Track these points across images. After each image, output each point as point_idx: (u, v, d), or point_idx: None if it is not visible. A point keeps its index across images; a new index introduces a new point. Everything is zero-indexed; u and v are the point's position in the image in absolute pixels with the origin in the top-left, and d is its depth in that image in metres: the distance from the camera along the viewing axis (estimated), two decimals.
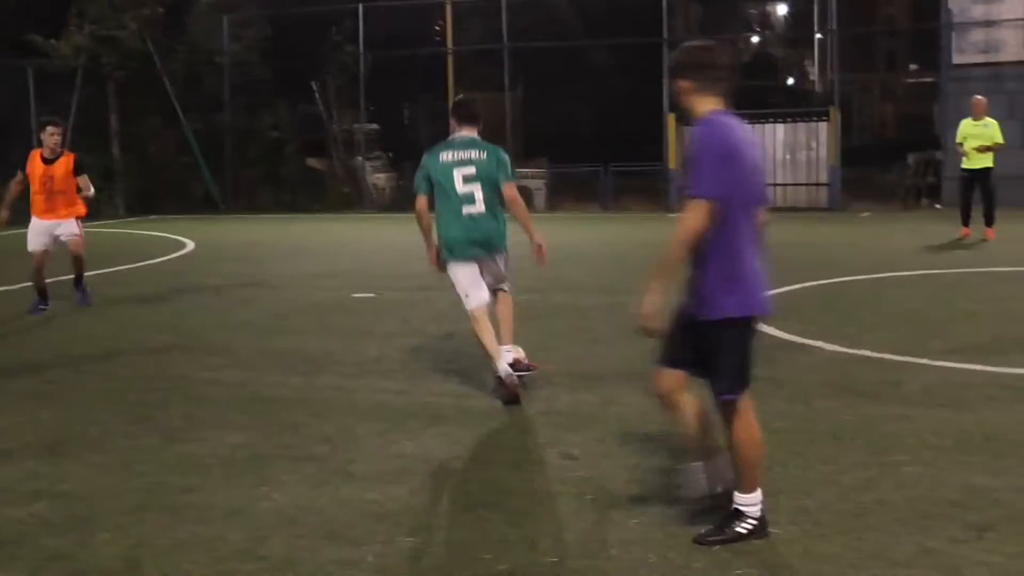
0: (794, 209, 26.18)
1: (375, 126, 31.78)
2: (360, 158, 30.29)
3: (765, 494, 5.13)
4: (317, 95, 30.92)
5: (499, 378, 7.82)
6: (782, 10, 53.65)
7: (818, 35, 33.98)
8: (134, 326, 11.56)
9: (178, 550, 5.12)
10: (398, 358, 9.55)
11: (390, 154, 31.79)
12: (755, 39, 51.57)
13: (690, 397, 5.20)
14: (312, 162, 31.53)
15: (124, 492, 6.02)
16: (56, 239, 12.79)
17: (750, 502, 5.07)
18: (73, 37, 28.71)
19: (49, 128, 12.84)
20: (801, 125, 27.13)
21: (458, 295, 8.27)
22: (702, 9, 46.48)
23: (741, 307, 4.91)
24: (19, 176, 12.81)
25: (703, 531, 5.08)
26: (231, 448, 6.84)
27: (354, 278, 15.00)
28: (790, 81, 52.69)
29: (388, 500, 5.75)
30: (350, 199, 30.07)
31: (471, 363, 9.08)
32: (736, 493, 5.11)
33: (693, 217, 4.77)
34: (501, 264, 8.27)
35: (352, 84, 30.56)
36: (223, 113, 31.49)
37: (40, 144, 12.88)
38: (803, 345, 9.63)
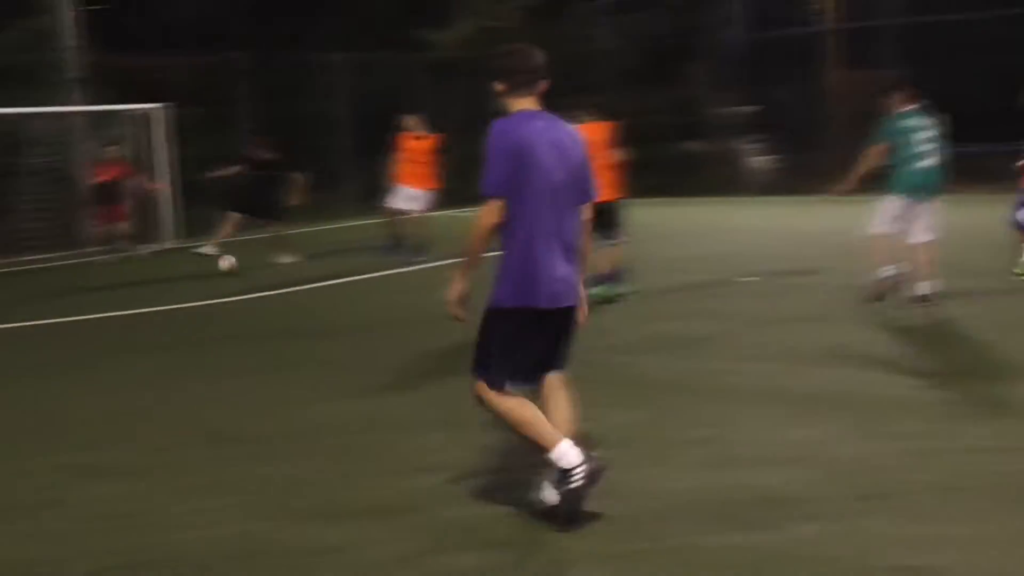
0: None
1: (753, 108, 31.40)
2: (738, 140, 30.01)
3: None
4: (693, 79, 30.84)
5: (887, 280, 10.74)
6: None
7: None
8: None
9: (573, 527, 5.23)
10: (781, 343, 9.40)
11: (769, 136, 31.33)
12: None
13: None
14: (688, 146, 31.47)
15: (523, 467, 6.19)
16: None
17: (561, 455, 5.11)
18: (458, 29, 29.92)
19: (413, 118, 17.23)
20: None
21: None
22: None
23: (509, 297, 5.15)
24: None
25: (555, 510, 5.16)
26: (617, 429, 6.93)
27: (735, 261, 14.84)
28: None
29: (779, 486, 5.66)
30: (727, 182, 29.85)
31: (856, 350, 8.85)
32: (546, 456, 5.16)
33: (482, 213, 5.10)
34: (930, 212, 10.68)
35: (729, 66, 30.30)
36: (603, 99, 31.91)
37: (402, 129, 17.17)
38: None
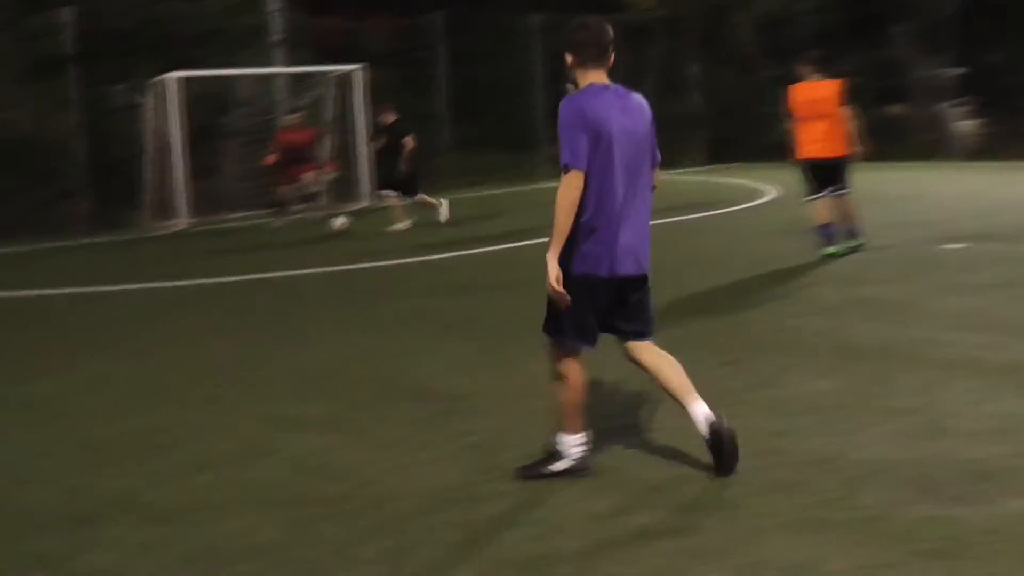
0: None
1: (961, 70, 30.30)
2: (944, 104, 29.02)
3: None
4: (896, 40, 29.93)
5: None
6: None
7: None
8: (717, 273, 11.81)
9: (770, 492, 5.16)
10: (993, 312, 9.06)
11: (979, 99, 30.22)
12: None
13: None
14: (891, 109, 30.58)
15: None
16: None
17: (568, 443, 5.53)
18: None
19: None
20: None
21: None
22: None
23: (574, 264, 5.29)
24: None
25: (525, 465, 5.61)
26: (820, 395, 6.81)
27: (941, 227, 14.38)
28: None
29: (989, 459, 5.46)
30: (933, 147, 28.94)
31: None
32: (558, 434, 5.56)
33: (564, 185, 5.23)
34: None
35: (936, 28, 29.31)
36: (825, 56, 31.23)
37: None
38: None
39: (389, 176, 18.19)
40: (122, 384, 8.14)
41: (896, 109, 30.55)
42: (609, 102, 5.36)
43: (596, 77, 5.46)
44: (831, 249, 12.29)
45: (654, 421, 6.42)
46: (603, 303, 5.44)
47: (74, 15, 20.94)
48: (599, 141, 5.25)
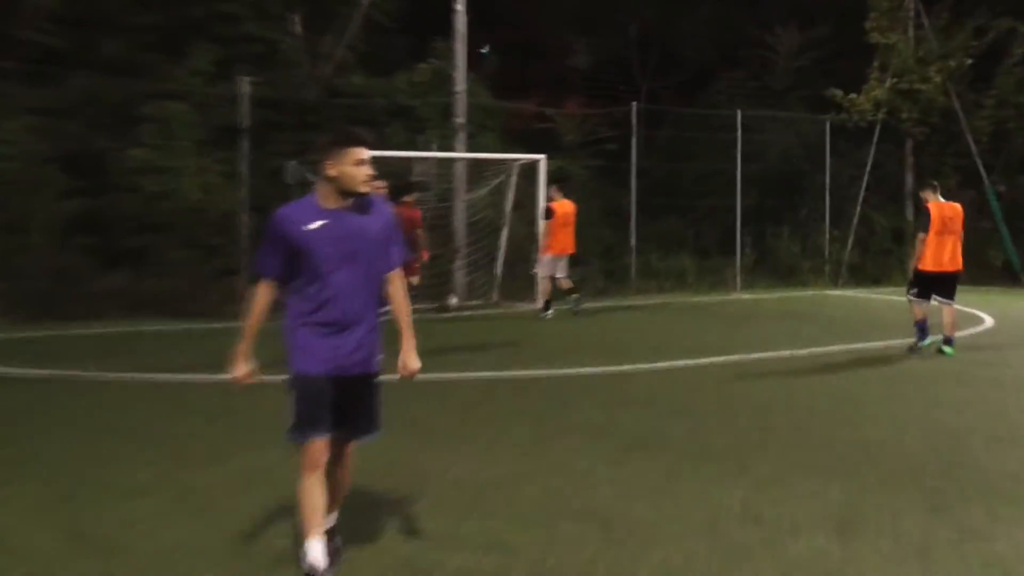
0: None
1: None
2: None
3: None
4: None
5: None
6: None
7: None
8: (928, 404, 11.45)
9: None
10: None
11: None
12: None
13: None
14: None
15: None
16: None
17: (316, 549, 5.90)
18: (873, 91, 29.43)
19: (553, 186, 20.66)
20: None
21: None
22: None
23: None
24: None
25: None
26: None
27: None
28: None
29: None
30: None
31: None
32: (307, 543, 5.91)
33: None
34: None
35: None
36: None
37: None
38: None
39: None
40: (274, 480, 8.15)
41: None
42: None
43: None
44: None
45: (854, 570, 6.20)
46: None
47: (252, 85, 21.48)
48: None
